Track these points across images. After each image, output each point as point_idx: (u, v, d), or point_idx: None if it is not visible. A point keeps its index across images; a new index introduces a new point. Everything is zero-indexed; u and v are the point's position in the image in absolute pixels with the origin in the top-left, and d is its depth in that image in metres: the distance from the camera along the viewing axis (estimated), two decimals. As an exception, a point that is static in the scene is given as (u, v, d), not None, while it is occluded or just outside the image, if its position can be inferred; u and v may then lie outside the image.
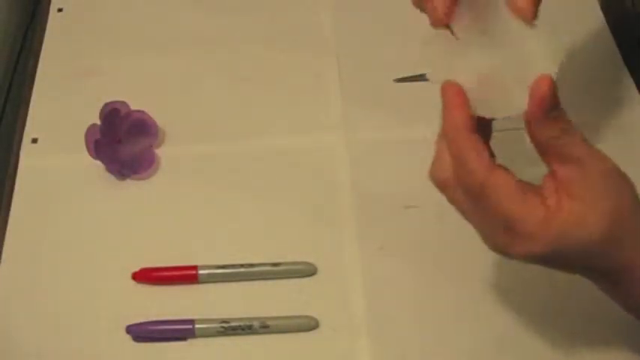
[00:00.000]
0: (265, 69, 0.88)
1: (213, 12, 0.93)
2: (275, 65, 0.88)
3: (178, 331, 0.70)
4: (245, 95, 0.86)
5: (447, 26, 0.49)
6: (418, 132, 0.76)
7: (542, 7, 0.88)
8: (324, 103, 0.84)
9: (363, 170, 0.79)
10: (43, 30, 0.93)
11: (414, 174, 0.74)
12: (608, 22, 0.88)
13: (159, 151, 0.82)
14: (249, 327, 0.69)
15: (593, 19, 0.88)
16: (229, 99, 0.86)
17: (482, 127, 0.51)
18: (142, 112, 0.81)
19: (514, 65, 0.47)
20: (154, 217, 0.78)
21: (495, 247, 0.51)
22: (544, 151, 0.50)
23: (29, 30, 0.95)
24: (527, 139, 0.49)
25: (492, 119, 0.50)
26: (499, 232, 0.49)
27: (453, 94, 0.49)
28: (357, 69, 0.87)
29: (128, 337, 0.70)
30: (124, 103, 0.80)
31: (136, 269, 0.73)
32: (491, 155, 0.50)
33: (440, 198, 0.54)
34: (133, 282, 0.73)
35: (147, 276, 0.72)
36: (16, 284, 0.74)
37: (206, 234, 0.76)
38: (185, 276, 0.72)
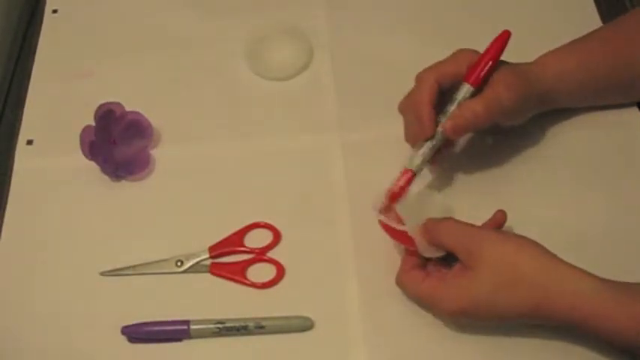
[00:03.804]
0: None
1: (207, 13, 0.93)
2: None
3: (173, 332, 0.70)
4: (240, 96, 0.86)
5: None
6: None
7: (539, 11, 0.89)
8: (320, 103, 0.84)
9: (358, 170, 0.79)
10: (38, 31, 0.93)
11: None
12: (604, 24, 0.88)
13: (154, 152, 0.82)
14: (245, 327, 0.69)
15: (589, 21, 0.88)
16: (224, 100, 0.86)
17: None
18: (137, 113, 0.81)
19: None
20: (149, 218, 0.78)
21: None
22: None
23: (28, 31, 0.95)
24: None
25: None
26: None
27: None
28: (352, 69, 0.87)
29: (123, 338, 0.70)
30: (118, 104, 0.80)
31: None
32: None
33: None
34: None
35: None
36: (11, 285, 0.74)
37: (201, 234, 0.76)
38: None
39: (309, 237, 0.75)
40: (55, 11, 0.94)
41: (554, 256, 0.64)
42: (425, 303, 0.68)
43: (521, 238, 0.65)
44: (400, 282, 0.69)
